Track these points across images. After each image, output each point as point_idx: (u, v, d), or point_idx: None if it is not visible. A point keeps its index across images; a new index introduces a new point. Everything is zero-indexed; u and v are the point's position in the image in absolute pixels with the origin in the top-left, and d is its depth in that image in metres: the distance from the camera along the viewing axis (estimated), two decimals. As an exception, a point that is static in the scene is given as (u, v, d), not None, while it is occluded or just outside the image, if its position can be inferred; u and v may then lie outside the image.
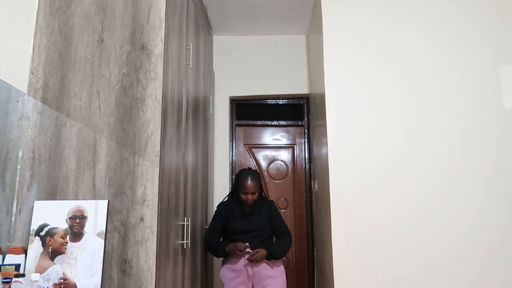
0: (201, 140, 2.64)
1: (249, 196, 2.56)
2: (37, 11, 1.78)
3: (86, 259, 1.51)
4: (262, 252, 2.43)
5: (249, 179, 2.56)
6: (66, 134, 1.67)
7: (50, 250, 1.51)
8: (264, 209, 2.63)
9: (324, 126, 2.65)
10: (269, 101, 3.76)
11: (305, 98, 3.73)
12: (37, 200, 1.59)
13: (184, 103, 2.12)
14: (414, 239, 2.40)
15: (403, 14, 2.67)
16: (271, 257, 2.48)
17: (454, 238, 2.39)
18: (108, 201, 1.59)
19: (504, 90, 2.53)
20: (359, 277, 2.38)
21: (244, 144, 3.70)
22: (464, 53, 2.59)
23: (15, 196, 1.60)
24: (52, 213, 1.55)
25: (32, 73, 1.72)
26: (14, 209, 1.59)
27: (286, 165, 3.67)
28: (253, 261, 2.41)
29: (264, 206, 2.65)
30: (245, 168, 2.71)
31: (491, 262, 2.36)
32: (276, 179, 3.64)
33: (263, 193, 2.75)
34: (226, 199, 2.75)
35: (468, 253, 2.38)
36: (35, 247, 1.51)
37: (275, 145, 3.71)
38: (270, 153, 3.70)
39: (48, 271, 1.48)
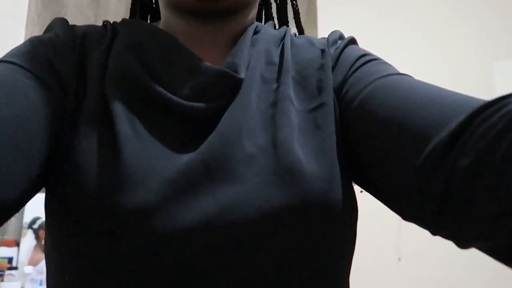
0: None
1: None
2: (29, 1, 1.75)
3: (80, 252, 1.49)
4: None
5: None
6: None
7: (43, 243, 1.49)
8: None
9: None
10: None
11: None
12: (29, 193, 1.57)
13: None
14: (414, 238, 2.39)
15: (400, 12, 2.67)
16: None
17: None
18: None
19: (500, 89, 2.54)
20: (359, 277, 2.37)
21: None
22: (463, 53, 2.59)
23: (7, 189, 1.57)
24: (45, 206, 1.53)
25: (24, 65, 1.69)
26: (6, 203, 1.56)
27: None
28: None
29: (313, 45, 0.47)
30: None
31: (489, 261, 2.36)
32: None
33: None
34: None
35: (468, 252, 2.37)
36: (28, 240, 1.49)
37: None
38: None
39: (42, 264, 1.45)
